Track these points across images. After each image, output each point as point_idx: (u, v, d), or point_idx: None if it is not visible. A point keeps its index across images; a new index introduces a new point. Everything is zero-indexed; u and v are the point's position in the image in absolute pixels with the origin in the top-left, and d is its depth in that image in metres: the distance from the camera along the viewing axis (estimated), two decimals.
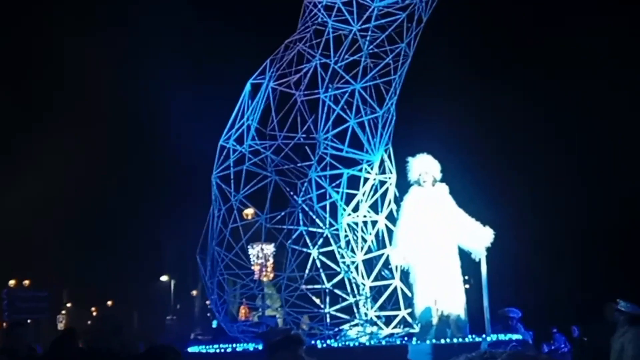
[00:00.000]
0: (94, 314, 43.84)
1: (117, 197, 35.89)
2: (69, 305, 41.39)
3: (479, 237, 8.22)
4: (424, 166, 8.44)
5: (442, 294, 8.00)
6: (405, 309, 10.29)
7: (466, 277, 8.45)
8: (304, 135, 11.01)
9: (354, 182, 11.32)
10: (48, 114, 31.01)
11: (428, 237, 8.13)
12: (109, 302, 42.49)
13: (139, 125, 31.56)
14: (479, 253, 8.23)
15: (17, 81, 29.69)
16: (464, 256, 8.31)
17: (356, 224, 11.27)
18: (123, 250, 35.82)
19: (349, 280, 10.98)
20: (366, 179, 11.20)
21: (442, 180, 8.52)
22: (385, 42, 10.61)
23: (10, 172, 28.49)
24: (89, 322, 41.57)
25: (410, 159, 8.58)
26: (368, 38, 10.46)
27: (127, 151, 33.44)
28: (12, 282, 32.03)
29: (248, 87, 11.40)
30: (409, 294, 9.53)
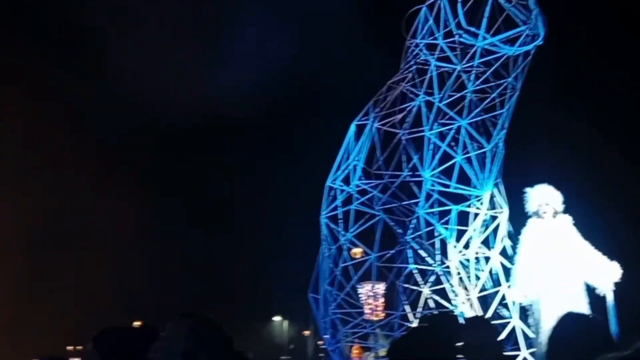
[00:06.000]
0: None
1: (224, 239, 37.20)
2: None
3: (605, 273, 7.62)
4: (544, 197, 7.88)
5: None
6: (526, 349, 9.77)
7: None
8: (410, 173, 10.96)
9: (463, 219, 11.04)
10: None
11: (551, 273, 7.62)
12: None
13: (241, 166, 32.56)
14: (606, 290, 7.63)
15: None
16: (590, 294, 7.74)
17: (468, 260, 10.93)
18: (237, 293, 36.91)
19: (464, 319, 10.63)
20: (476, 215, 10.88)
21: (564, 212, 7.94)
22: (491, 77, 10.39)
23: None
24: None
25: (528, 189, 8.07)
26: (473, 74, 10.30)
27: (233, 192, 34.61)
28: (136, 323, 33.62)
29: (353, 128, 11.56)
30: (529, 334, 9.04)
